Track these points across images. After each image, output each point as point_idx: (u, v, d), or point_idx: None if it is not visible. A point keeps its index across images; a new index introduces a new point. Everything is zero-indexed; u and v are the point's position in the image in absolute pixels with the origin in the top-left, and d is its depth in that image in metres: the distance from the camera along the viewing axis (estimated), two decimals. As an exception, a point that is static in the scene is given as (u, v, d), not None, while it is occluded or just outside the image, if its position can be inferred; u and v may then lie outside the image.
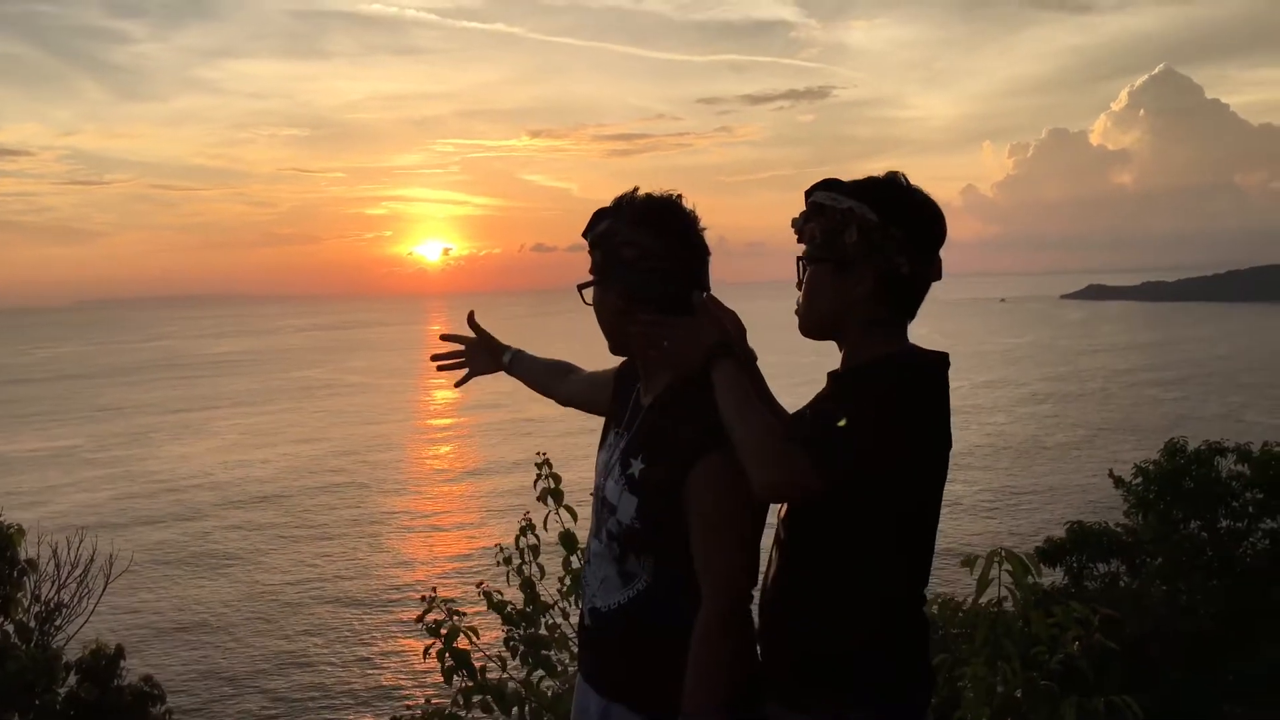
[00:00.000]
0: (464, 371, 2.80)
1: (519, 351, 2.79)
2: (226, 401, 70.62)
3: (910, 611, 2.07)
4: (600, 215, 2.19)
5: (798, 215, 2.13)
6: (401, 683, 19.92)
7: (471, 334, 2.79)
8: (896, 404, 1.97)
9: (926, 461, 2.03)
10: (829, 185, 2.08)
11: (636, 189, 2.16)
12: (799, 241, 2.13)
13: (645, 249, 2.08)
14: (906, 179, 2.09)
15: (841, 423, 1.91)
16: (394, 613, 24.26)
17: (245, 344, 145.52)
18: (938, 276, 2.10)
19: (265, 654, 21.34)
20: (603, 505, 2.19)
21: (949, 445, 2.09)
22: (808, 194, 2.10)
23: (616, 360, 2.40)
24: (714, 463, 1.98)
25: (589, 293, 2.21)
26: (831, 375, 2.13)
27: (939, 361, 2.08)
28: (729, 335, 2.05)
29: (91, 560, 6.05)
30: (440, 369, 2.79)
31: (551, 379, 2.73)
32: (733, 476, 1.95)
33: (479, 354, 2.79)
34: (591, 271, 2.20)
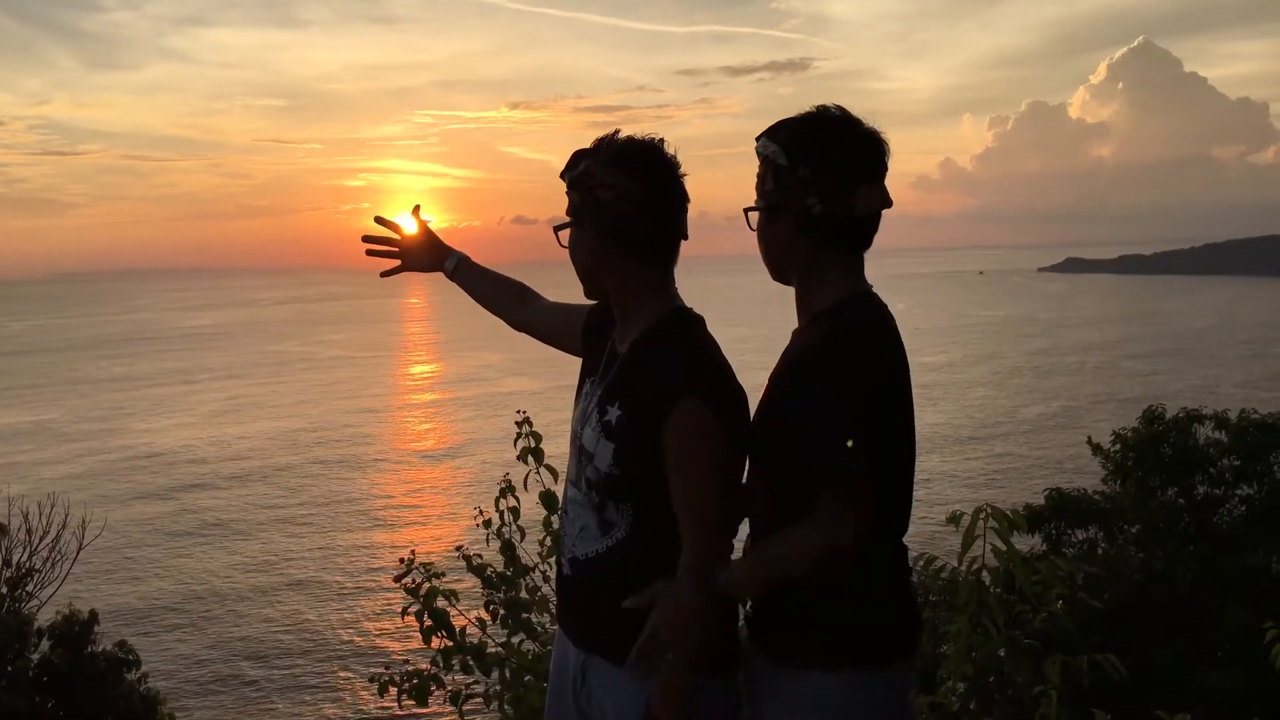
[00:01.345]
0: (395, 263, 2.61)
1: (465, 257, 2.61)
2: (203, 375, 70.26)
3: (885, 561, 2.03)
4: (579, 156, 2.13)
5: None
6: (381, 645, 19.99)
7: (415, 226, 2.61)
8: (868, 381, 1.92)
9: (901, 417, 1.99)
10: (768, 129, 2.05)
11: (617, 130, 2.11)
12: None
13: (622, 191, 2.03)
14: (837, 110, 2.03)
15: (849, 443, 1.87)
16: (375, 580, 24.30)
17: (221, 317, 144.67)
18: (879, 205, 2.01)
19: (243, 621, 21.31)
20: (580, 453, 2.15)
21: (909, 385, 2.05)
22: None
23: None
24: (690, 409, 1.93)
25: (565, 235, 2.17)
26: (794, 333, 2.11)
27: (886, 314, 2.04)
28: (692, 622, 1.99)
29: (64, 526, 5.97)
30: (369, 253, 2.61)
31: (506, 297, 2.59)
32: (709, 423, 1.92)
33: (417, 250, 2.60)
34: (568, 213, 2.14)
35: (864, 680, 1.99)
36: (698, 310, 2.15)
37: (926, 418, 44.52)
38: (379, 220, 2.62)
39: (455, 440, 44.04)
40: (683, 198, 2.10)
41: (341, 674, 18.44)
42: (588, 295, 2.25)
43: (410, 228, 2.61)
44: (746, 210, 2.11)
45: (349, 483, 35.72)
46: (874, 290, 2.08)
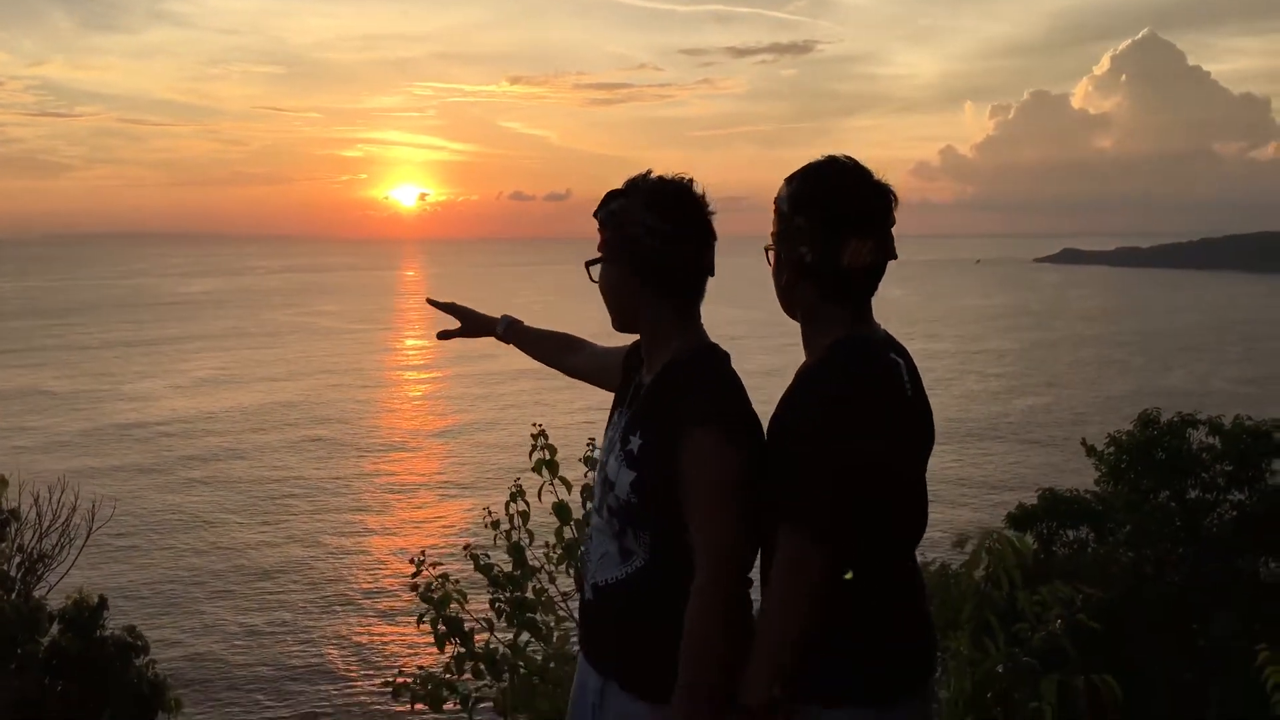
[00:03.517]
0: (456, 325, 2.86)
1: (513, 321, 2.83)
2: (195, 342, 70.02)
3: (889, 596, 2.08)
4: (612, 196, 2.21)
5: None
6: (379, 632, 19.99)
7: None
8: (834, 424, 1.97)
9: (883, 457, 2.02)
10: (792, 175, 2.14)
11: (649, 171, 2.20)
12: None
13: (653, 229, 2.11)
14: (846, 161, 2.11)
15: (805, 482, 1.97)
16: (370, 565, 24.32)
17: (215, 284, 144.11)
18: (867, 260, 2.07)
19: (235, 606, 21.23)
20: (604, 482, 2.22)
21: (912, 426, 2.11)
22: None
23: (623, 338, 2.42)
24: (706, 436, 2.01)
25: (596, 270, 2.24)
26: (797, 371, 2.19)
27: (878, 353, 2.10)
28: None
29: (74, 509, 6.02)
30: (440, 335, 2.88)
31: (557, 350, 2.78)
32: (723, 448, 1.99)
33: (467, 324, 2.86)
34: (600, 249, 2.22)
35: (867, 717, 2.05)
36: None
37: (919, 406, 44.39)
38: (430, 302, 2.90)
39: (450, 419, 43.90)
40: (710, 235, 2.18)
41: (343, 667, 18.41)
42: (616, 328, 2.32)
43: (453, 316, 2.88)
44: (766, 248, 2.20)
45: (340, 462, 35.52)
46: (877, 333, 2.14)
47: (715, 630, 1.99)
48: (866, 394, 2.02)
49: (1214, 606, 10.51)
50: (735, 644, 2.04)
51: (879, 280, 2.14)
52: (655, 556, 2.11)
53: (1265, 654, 4.33)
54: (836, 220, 2.06)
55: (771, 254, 2.18)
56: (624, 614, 2.15)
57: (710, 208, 2.18)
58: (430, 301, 2.87)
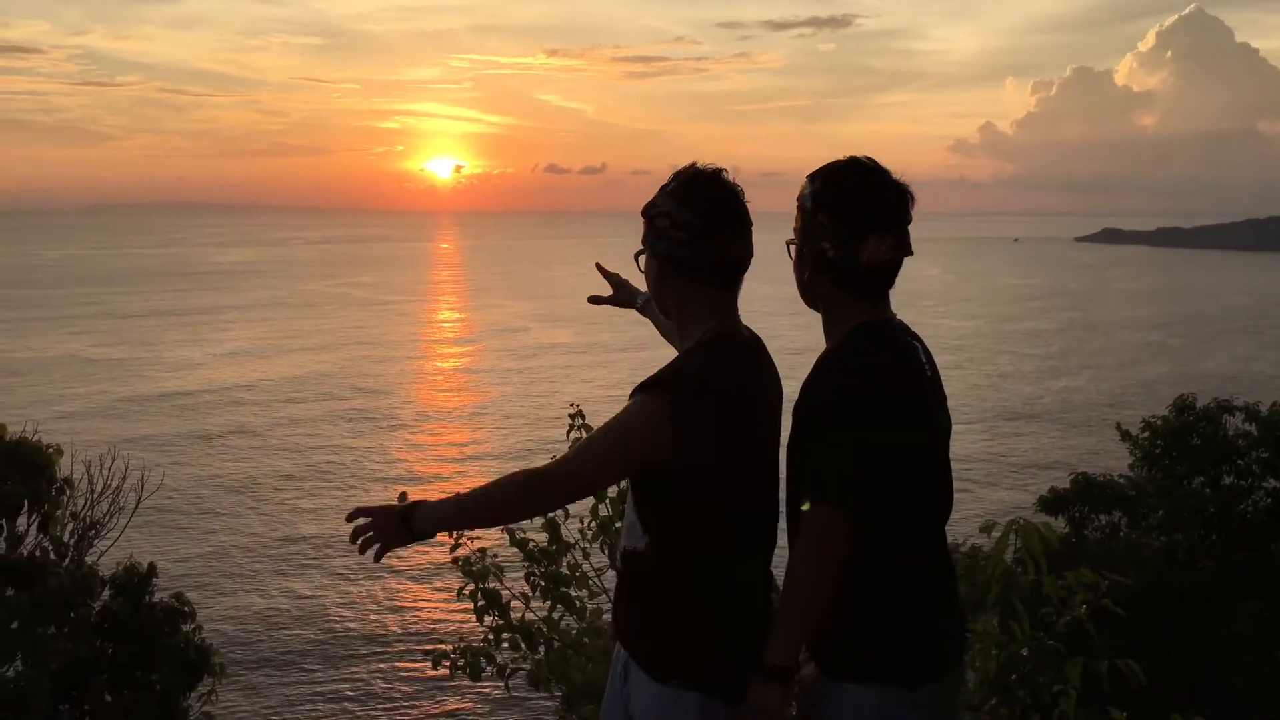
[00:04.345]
0: (608, 292, 2.96)
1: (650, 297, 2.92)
2: (232, 311, 70.79)
3: (910, 581, 2.17)
4: (660, 190, 2.29)
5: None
6: (418, 612, 20.22)
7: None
8: (857, 403, 2.08)
9: (903, 436, 2.13)
10: (813, 174, 2.25)
11: (694, 164, 2.26)
12: None
13: (676, 220, 2.19)
14: (868, 162, 2.23)
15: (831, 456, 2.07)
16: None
17: (253, 254, 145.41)
18: (885, 257, 2.18)
19: (264, 587, 21.38)
20: None
21: (932, 407, 2.21)
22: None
23: None
24: (635, 399, 2.11)
25: (643, 260, 2.33)
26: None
27: (896, 337, 2.21)
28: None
29: (124, 478, 6.21)
30: (591, 299, 2.98)
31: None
32: (633, 413, 2.08)
33: (617, 289, 2.96)
34: (642, 241, 2.32)
35: (898, 697, 2.13)
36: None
37: (950, 383, 44.08)
38: (599, 268, 2.98)
39: (485, 395, 44.05)
40: (740, 225, 2.23)
41: (369, 648, 18.59)
42: (661, 315, 2.43)
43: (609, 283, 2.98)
44: (788, 242, 2.31)
45: (377, 434, 35.83)
46: (894, 320, 2.24)
47: (499, 493, 2.13)
48: (887, 375, 2.14)
49: (1244, 594, 10.47)
50: (513, 502, 2.17)
51: (896, 275, 2.25)
52: (653, 530, 2.20)
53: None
54: (858, 218, 2.18)
55: (794, 248, 2.29)
56: (634, 586, 2.25)
57: (743, 197, 2.24)
58: (599, 267, 2.95)
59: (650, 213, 2.24)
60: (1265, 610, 10.00)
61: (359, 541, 2.21)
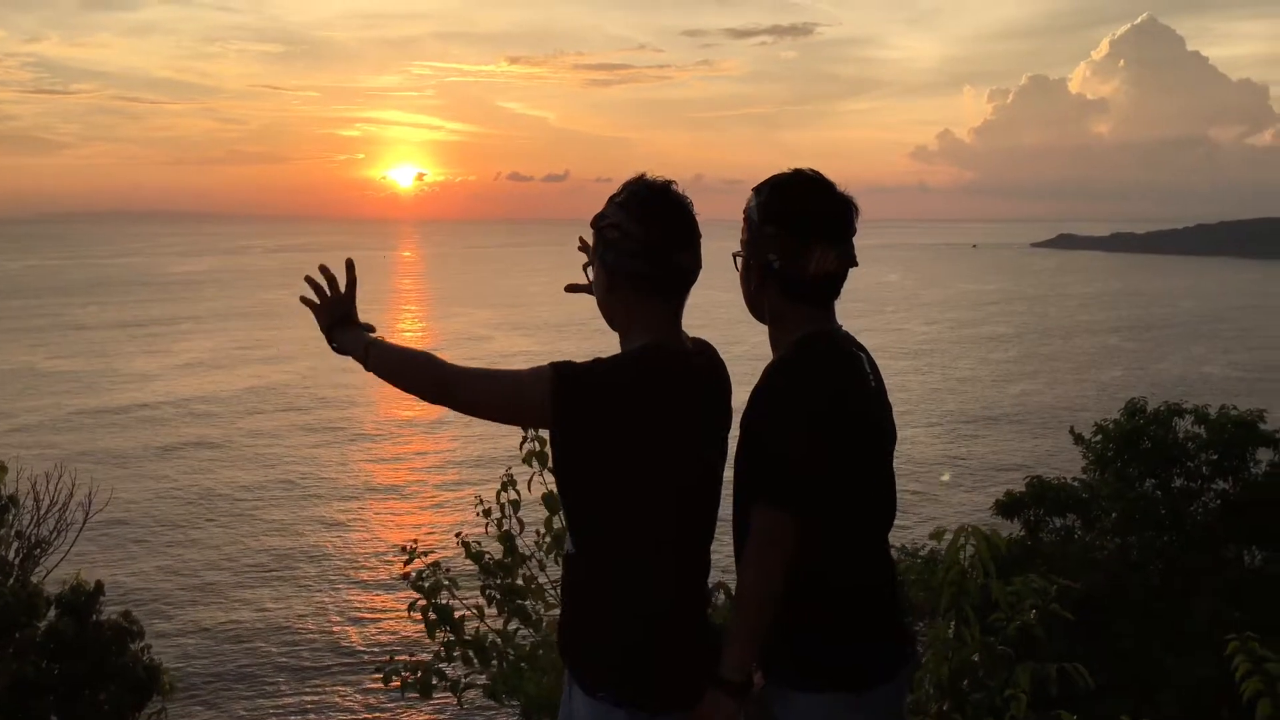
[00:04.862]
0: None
1: None
2: (191, 322, 69.90)
3: (861, 586, 2.19)
4: (608, 201, 2.28)
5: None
6: (373, 624, 20.05)
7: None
8: (803, 409, 2.11)
9: (849, 438, 2.15)
10: (757, 185, 2.28)
11: (643, 175, 2.25)
12: None
13: (626, 231, 2.18)
14: (812, 174, 2.25)
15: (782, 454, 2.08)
16: (365, 556, 24.37)
17: (212, 263, 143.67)
18: (831, 268, 2.21)
19: (227, 600, 21.13)
20: None
21: (876, 415, 2.23)
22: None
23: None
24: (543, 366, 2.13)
25: (591, 271, 2.33)
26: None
27: (842, 347, 2.23)
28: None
29: (71, 494, 6.10)
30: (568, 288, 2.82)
31: None
32: (534, 373, 2.10)
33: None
34: (591, 252, 2.31)
35: (846, 703, 2.15)
36: None
37: (912, 388, 44.80)
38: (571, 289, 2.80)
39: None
40: (688, 238, 2.21)
41: (332, 660, 18.40)
42: (609, 325, 2.39)
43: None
44: (734, 254, 2.31)
45: (335, 447, 35.43)
46: (839, 330, 2.27)
47: (420, 356, 2.19)
48: (832, 384, 2.16)
49: (1196, 594, 10.63)
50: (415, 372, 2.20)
51: (841, 285, 2.28)
52: (576, 536, 2.19)
53: (1234, 644, 4.45)
54: (804, 229, 2.20)
55: (739, 260, 2.30)
56: (567, 592, 2.26)
57: (692, 209, 2.23)
58: (570, 288, 2.73)
59: (600, 224, 2.23)
60: (1223, 609, 10.15)
61: (302, 297, 2.33)
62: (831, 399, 2.12)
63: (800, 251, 2.19)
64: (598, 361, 2.15)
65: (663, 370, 2.15)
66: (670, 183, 2.23)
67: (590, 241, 2.30)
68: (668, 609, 2.15)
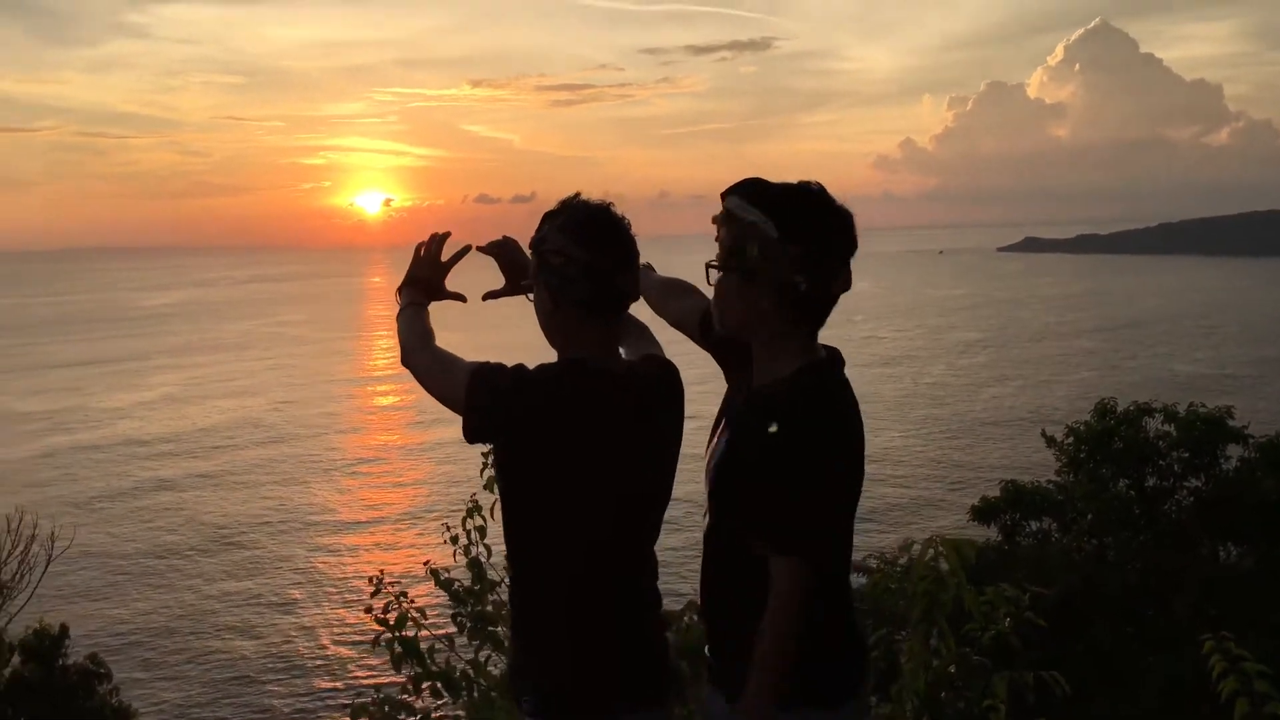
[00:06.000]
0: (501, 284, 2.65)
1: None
2: (163, 356, 69.26)
3: (829, 603, 2.13)
4: (544, 220, 2.25)
5: (716, 215, 2.18)
6: (342, 655, 19.84)
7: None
8: (825, 447, 2.04)
9: (850, 477, 2.10)
10: (744, 190, 2.13)
11: (578, 194, 2.23)
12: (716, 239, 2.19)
13: (568, 254, 2.15)
14: (820, 189, 2.14)
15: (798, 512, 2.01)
16: (339, 586, 24.14)
17: (182, 296, 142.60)
18: (844, 288, 2.14)
19: (204, 641, 20.87)
20: None
21: (860, 448, 2.15)
22: (724, 195, 2.15)
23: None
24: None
25: (533, 294, 2.28)
26: (750, 394, 2.19)
27: (842, 380, 2.16)
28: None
29: (33, 538, 5.97)
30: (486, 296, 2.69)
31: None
32: (477, 365, 2.15)
33: (508, 272, 2.62)
34: (531, 274, 2.27)
35: (816, 718, 2.13)
36: None
37: (885, 395, 44.98)
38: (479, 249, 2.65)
39: (417, 433, 43.31)
40: (628, 260, 2.19)
41: (308, 700, 18.17)
42: (552, 345, 2.34)
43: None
44: (709, 266, 2.17)
45: (305, 479, 35.11)
46: (833, 353, 2.19)
47: (431, 345, 2.31)
48: (844, 424, 2.09)
49: (1172, 593, 10.68)
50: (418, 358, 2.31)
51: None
52: (512, 557, 2.16)
53: (1209, 644, 4.45)
54: (829, 249, 2.10)
55: (713, 273, 2.17)
56: (512, 616, 2.21)
57: (630, 230, 2.20)
58: (479, 249, 2.59)
59: (541, 248, 2.18)
60: (1202, 605, 10.20)
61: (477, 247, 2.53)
62: (841, 440, 2.07)
63: (826, 272, 2.08)
64: (519, 367, 2.13)
65: (581, 386, 2.12)
66: (609, 204, 2.20)
67: (479, 248, 2.48)
68: (616, 629, 2.14)
